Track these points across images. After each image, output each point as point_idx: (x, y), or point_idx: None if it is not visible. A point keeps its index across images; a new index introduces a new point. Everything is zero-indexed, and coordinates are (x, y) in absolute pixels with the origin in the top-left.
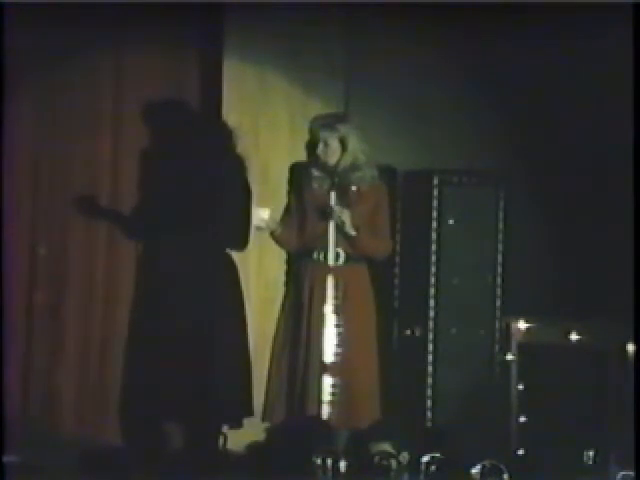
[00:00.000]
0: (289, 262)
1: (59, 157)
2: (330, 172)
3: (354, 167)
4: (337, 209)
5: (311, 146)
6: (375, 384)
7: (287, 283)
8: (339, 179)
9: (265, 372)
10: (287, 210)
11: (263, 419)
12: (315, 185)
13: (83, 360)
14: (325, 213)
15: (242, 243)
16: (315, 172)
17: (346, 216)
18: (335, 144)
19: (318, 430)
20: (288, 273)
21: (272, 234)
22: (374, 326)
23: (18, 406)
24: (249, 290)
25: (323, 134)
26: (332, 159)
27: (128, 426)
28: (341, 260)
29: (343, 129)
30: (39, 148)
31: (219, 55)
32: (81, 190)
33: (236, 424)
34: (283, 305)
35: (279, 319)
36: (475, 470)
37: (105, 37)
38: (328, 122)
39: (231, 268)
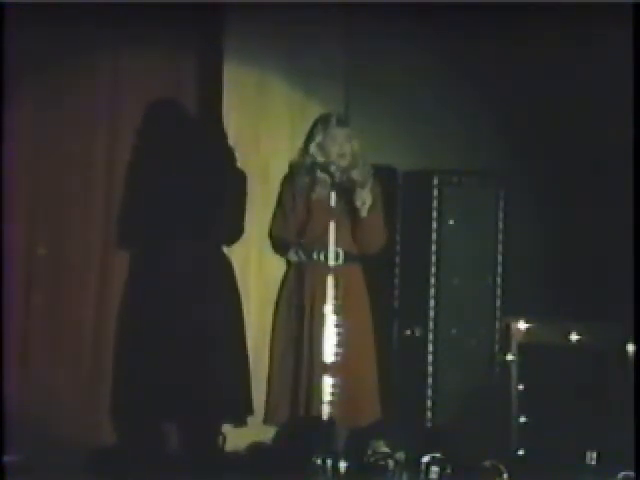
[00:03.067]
0: (289, 262)
1: (58, 157)
2: (333, 172)
3: (353, 167)
4: (359, 189)
5: (332, 143)
6: (374, 383)
7: (285, 283)
8: (339, 178)
9: (266, 372)
10: (282, 209)
11: (265, 421)
12: (319, 185)
13: (83, 360)
14: (329, 211)
15: (234, 236)
16: (319, 172)
17: (367, 196)
18: (349, 145)
19: (318, 430)
20: (287, 273)
21: (272, 236)
22: (371, 325)
23: (18, 406)
24: (249, 290)
25: (346, 130)
26: (347, 156)
27: (128, 426)
28: (341, 260)
29: (351, 130)
30: (39, 148)
31: (219, 57)
32: (78, 191)
33: (240, 422)
34: (279, 306)
35: (277, 320)
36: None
37: (105, 38)
38: (344, 120)
39: (227, 266)
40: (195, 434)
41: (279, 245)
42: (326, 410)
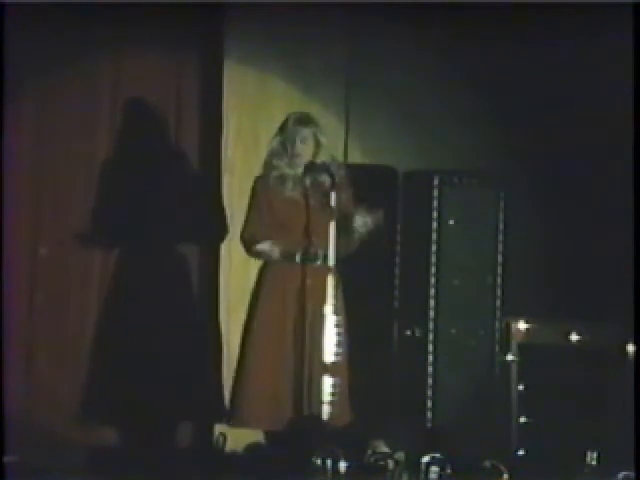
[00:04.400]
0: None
1: (58, 158)
2: (310, 171)
3: (325, 166)
4: (361, 219)
5: (288, 142)
6: (343, 386)
7: (261, 285)
8: (308, 179)
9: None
10: (257, 216)
11: (231, 422)
12: (290, 183)
13: (83, 360)
14: (306, 211)
15: (220, 235)
16: (292, 172)
17: (368, 220)
18: (307, 145)
19: (317, 430)
20: (263, 275)
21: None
22: (345, 327)
23: (18, 406)
24: (249, 292)
25: (301, 130)
26: (307, 156)
27: (127, 426)
28: (321, 260)
29: (316, 127)
30: (39, 149)
31: (219, 56)
32: (79, 191)
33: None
34: (256, 307)
35: (254, 321)
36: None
37: (105, 37)
38: (302, 118)
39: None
40: (195, 434)
41: (255, 249)
42: (311, 410)
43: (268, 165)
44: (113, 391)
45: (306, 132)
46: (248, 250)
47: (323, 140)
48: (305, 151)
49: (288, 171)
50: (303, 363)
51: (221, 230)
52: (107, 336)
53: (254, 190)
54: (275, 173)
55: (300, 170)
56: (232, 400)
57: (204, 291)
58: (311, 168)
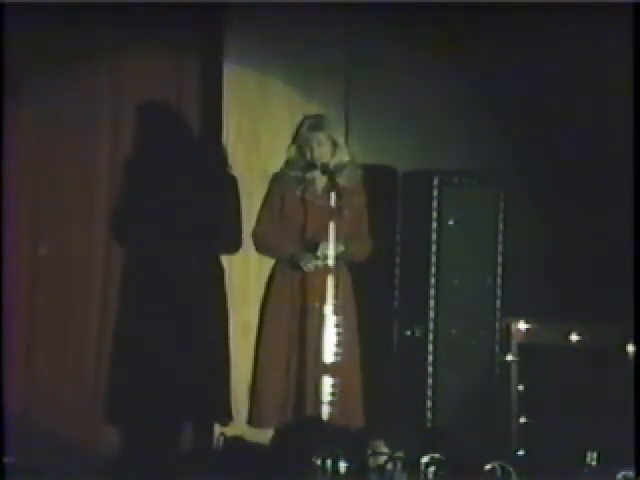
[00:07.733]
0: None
1: (58, 158)
2: (326, 172)
3: (340, 167)
4: (322, 246)
5: (305, 147)
6: (357, 388)
7: (273, 283)
8: (327, 179)
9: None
10: (270, 214)
11: (250, 422)
12: (305, 185)
13: (84, 361)
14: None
15: (235, 245)
16: (304, 172)
17: (330, 249)
18: (329, 144)
19: (311, 430)
20: (275, 273)
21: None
22: (356, 328)
23: (18, 406)
24: (249, 292)
25: (317, 135)
26: (325, 158)
27: (128, 427)
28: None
29: (331, 129)
30: (39, 148)
31: (219, 57)
32: (79, 191)
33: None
34: (268, 306)
35: (266, 320)
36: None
37: (105, 38)
38: (318, 123)
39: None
40: (195, 434)
41: (266, 247)
42: (318, 410)
43: (286, 174)
44: (113, 391)
45: (321, 136)
46: (258, 248)
47: (339, 140)
48: (323, 153)
49: (305, 174)
50: (307, 363)
51: (235, 241)
52: (107, 336)
53: (270, 188)
54: (293, 174)
55: (317, 172)
56: (250, 400)
57: (206, 291)
58: (326, 170)
